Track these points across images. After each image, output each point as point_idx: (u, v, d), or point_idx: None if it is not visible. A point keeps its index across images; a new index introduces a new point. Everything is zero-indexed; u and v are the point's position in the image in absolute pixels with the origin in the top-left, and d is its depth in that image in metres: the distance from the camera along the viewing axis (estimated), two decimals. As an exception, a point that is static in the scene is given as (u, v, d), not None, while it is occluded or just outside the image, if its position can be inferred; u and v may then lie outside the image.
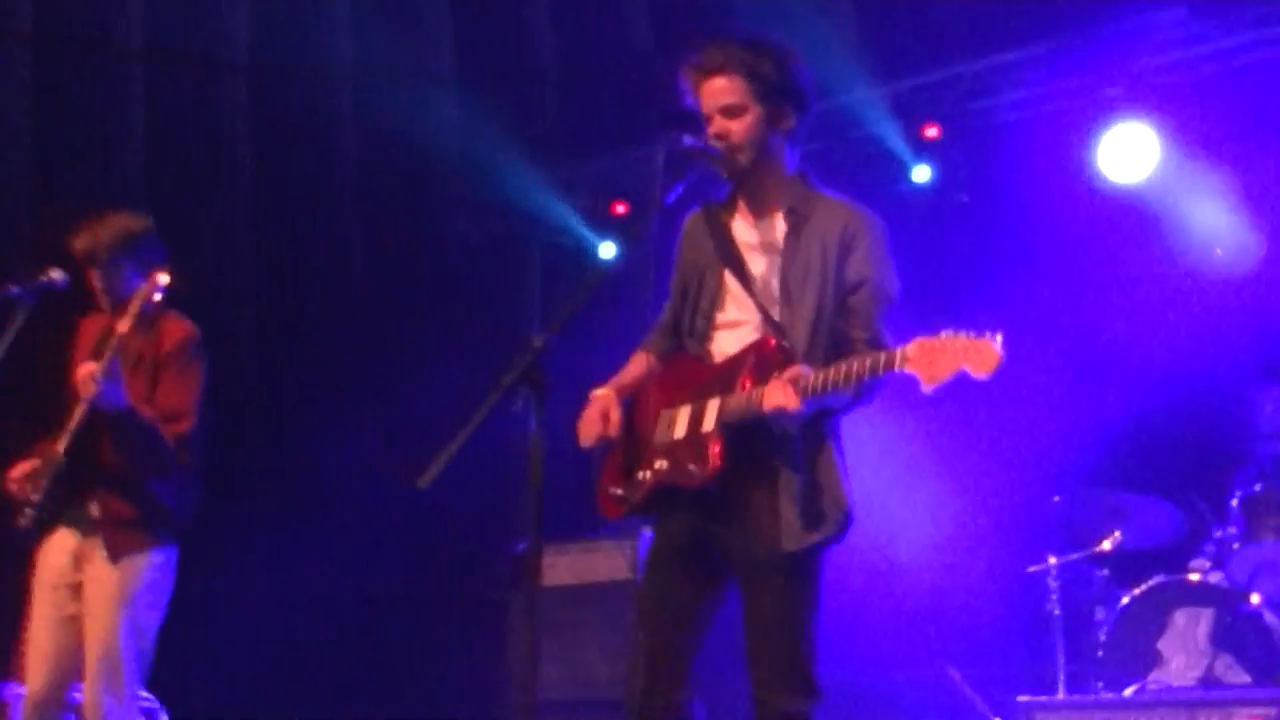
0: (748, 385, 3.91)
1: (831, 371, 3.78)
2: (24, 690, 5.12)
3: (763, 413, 3.82)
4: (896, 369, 3.69)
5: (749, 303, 4.07)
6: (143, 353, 5.15)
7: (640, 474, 4.01)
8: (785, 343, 3.95)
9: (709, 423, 3.92)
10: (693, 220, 4.32)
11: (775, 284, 4.04)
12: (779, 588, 3.91)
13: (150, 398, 5.10)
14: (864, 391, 3.85)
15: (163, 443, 4.99)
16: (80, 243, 5.24)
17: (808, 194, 4.11)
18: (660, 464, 3.96)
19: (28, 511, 5.11)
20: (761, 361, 3.93)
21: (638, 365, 4.33)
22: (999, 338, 3.58)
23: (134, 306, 4.96)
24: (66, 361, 5.30)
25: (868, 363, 3.74)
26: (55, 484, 5.08)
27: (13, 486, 5.13)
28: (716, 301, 4.13)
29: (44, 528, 5.15)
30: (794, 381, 3.75)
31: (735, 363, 4.00)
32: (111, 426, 4.99)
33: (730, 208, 4.22)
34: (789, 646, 3.90)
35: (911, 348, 3.67)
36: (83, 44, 10.87)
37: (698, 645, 4.06)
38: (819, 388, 3.76)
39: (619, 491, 4.06)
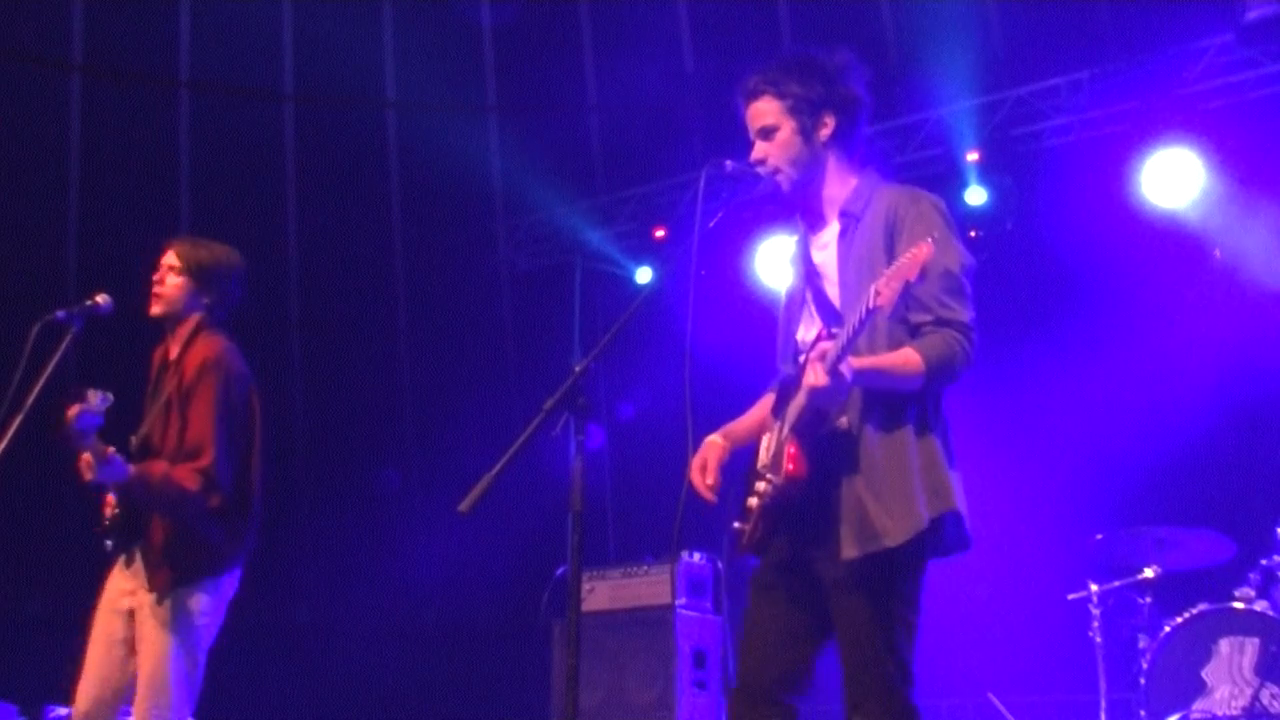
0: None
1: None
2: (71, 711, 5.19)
3: (805, 401, 3.74)
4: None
5: (819, 315, 4.01)
6: (172, 392, 5.20)
7: (749, 502, 3.92)
8: (835, 329, 3.84)
9: (785, 430, 3.87)
10: (791, 249, 4.31)
11: (837, 291, 3.96)
12: (854, 603, 3.76)
13: (182, 435, 5.16)
14: (934, 374, 3.74)
15: (180, 493, 5.02)
16: (167, 249, 5.36)
17: (865, 192, 4.02)
18: (761, 486, 3.91)
19: (107, 542, 5.26)
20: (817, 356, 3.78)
21: (761, 404, 4.24)
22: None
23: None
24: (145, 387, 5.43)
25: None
26: (115, 518, 5.22)
27: (108, 510, 5.23)
28: (800, 321, 4.09)
29: (116, 553, 5.24)
30: (821, 358, 3.66)
31: (802, 368, 3.85)
32: (126, 493, 5.08)
33: (803, 227, 4.19)
34: (870, 665, 3.71)
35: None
36: (131, 75, 11.01)
37: (796, 678, 3.89)
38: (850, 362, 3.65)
39: (739, 525, 3.93)
